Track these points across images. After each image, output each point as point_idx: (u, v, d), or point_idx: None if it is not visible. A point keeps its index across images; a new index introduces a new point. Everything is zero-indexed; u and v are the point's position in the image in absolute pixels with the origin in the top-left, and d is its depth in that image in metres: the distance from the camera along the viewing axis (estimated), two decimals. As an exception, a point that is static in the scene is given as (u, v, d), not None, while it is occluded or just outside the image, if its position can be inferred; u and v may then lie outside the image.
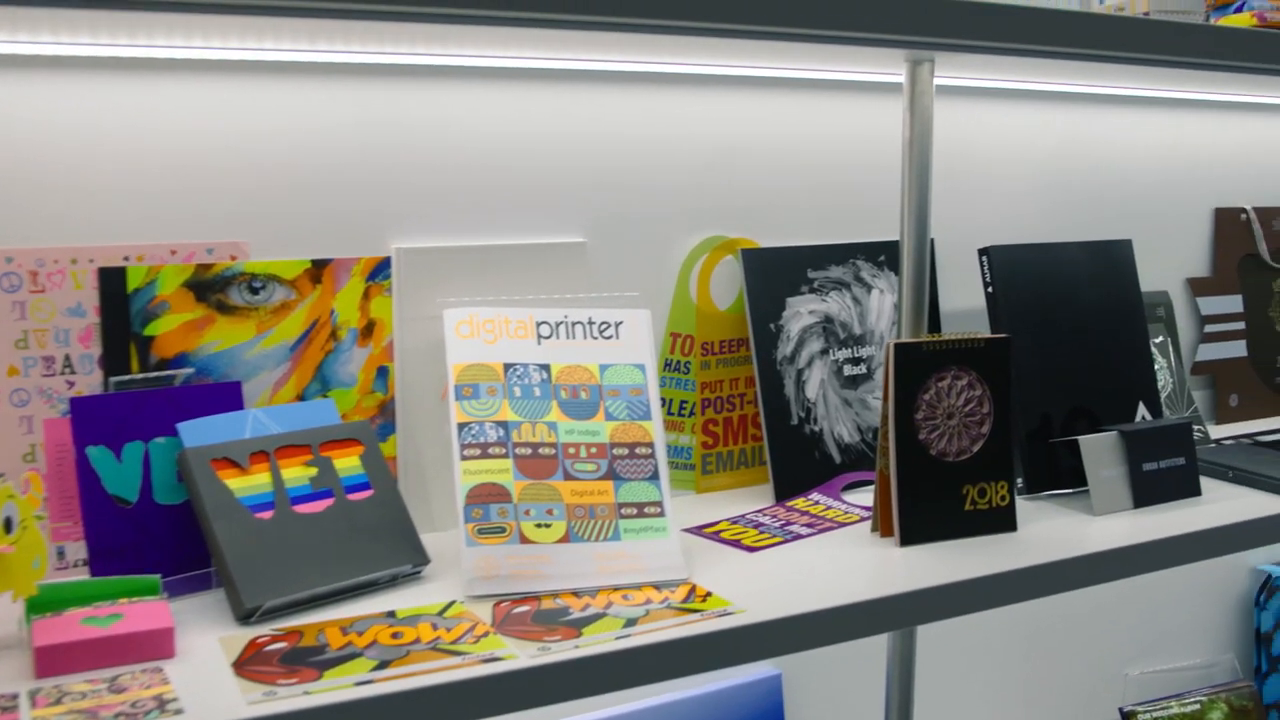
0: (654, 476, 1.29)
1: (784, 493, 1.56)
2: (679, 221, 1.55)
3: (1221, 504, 1.56)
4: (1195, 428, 1.86)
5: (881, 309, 1.67)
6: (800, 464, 1.57)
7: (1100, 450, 1.51)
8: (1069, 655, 1.98)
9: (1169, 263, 1.99)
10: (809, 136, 1.63)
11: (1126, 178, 1.92)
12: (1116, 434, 1.53)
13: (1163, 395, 1.86)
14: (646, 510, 1.27)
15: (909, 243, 1.43)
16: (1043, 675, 1.96)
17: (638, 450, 1.29)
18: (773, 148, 1.60)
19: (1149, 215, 1.96)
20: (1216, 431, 1.97)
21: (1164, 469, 1.56)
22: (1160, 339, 1.90)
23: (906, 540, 1.36)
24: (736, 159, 1.58)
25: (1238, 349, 2.06)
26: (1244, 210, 2.04)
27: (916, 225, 1.43)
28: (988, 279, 1.59)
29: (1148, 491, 1.54)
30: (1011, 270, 1.60)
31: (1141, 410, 1.67)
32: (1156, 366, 1.87)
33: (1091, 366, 1.64)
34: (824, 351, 1.62)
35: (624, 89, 1.49)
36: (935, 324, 1.71)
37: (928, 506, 1.37)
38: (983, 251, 1.60)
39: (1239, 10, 1.53)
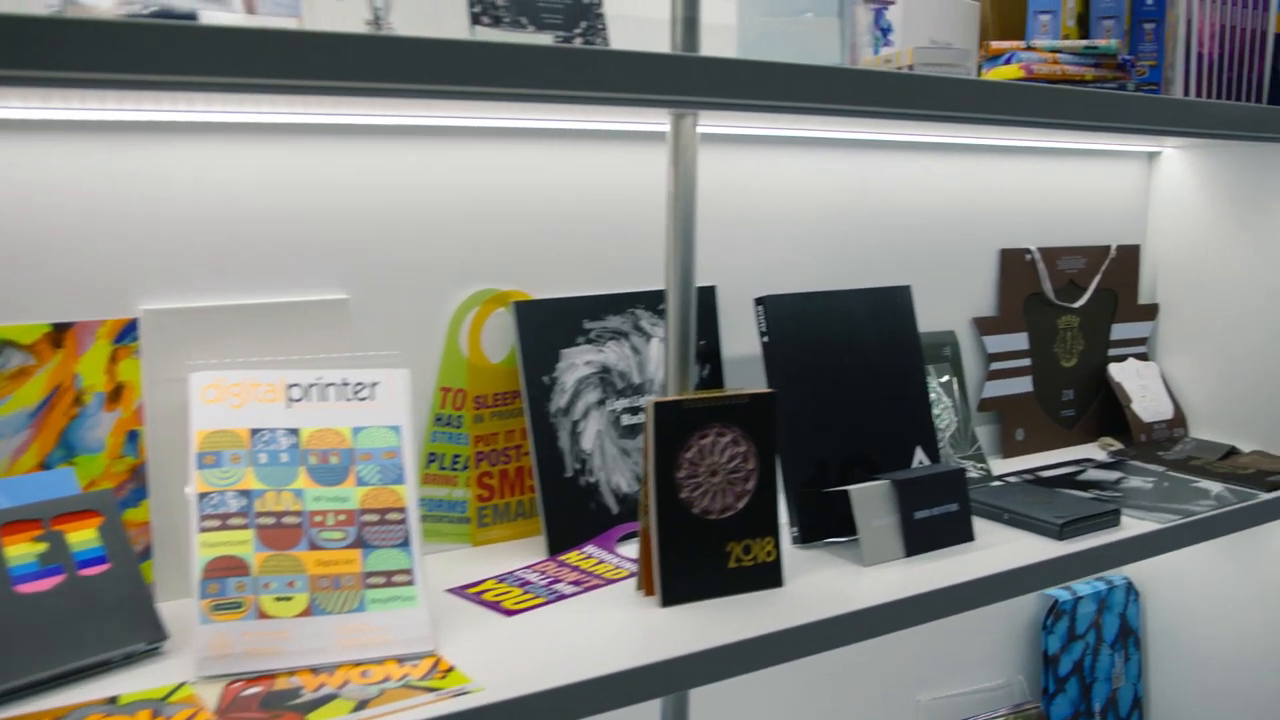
0: (405, 543, 1.26)
1: (558, 546, 1.55)
2: (448, 275, 1.53)
3: (994, 549, 1.59)
4: (977, 465, 1.90)
5: (662, 358, 1.66)
6: (575, 516, 1.56)
7: (870, 500, 1.53)
8: (859, 684, 2.01)
9: (957, 303, 2.03)
10: (582, 186, 1.61)
11: (916, 221, 1.96)
12: (888, 483, 1.55)
13: (947, 434, 1.90)
14: (395, 579, 1.24)
15: (674, 296, 1.43)
16: (834, 706, 1.99)
17: (389, 516, 1.27)
18: (545, 198, 1.59)
19: (937, 257, 2.00)
20: (1001, 466, 2.02)
21: (937, 516, 1.58)
22: (946, 378, 1.93)
23: (668, 600, 1.36)
24: (507, 210, 1.56)
25: (1024, 385, 2.11)
26: (1029, 251, 2.10)
27: (681, 277, 1.43)
28: (763, 329, 1.60)
29: (920, 539, 1.56)
30: (787, 319, 1.61)
31: (919, 455, 1.70)
32: (941, 406, 1.91)
33: (870, 412, 1.66)
34: (601, 402, 1.61)
35: (388, 141, 1.46)
36: (718, 372, 1.72)
37: (690, 565, 1.37)
38: (759, 301, 1.61)
39: (1008, 62, 1.56)
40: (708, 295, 1.72)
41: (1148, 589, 2.34)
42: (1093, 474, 1.97)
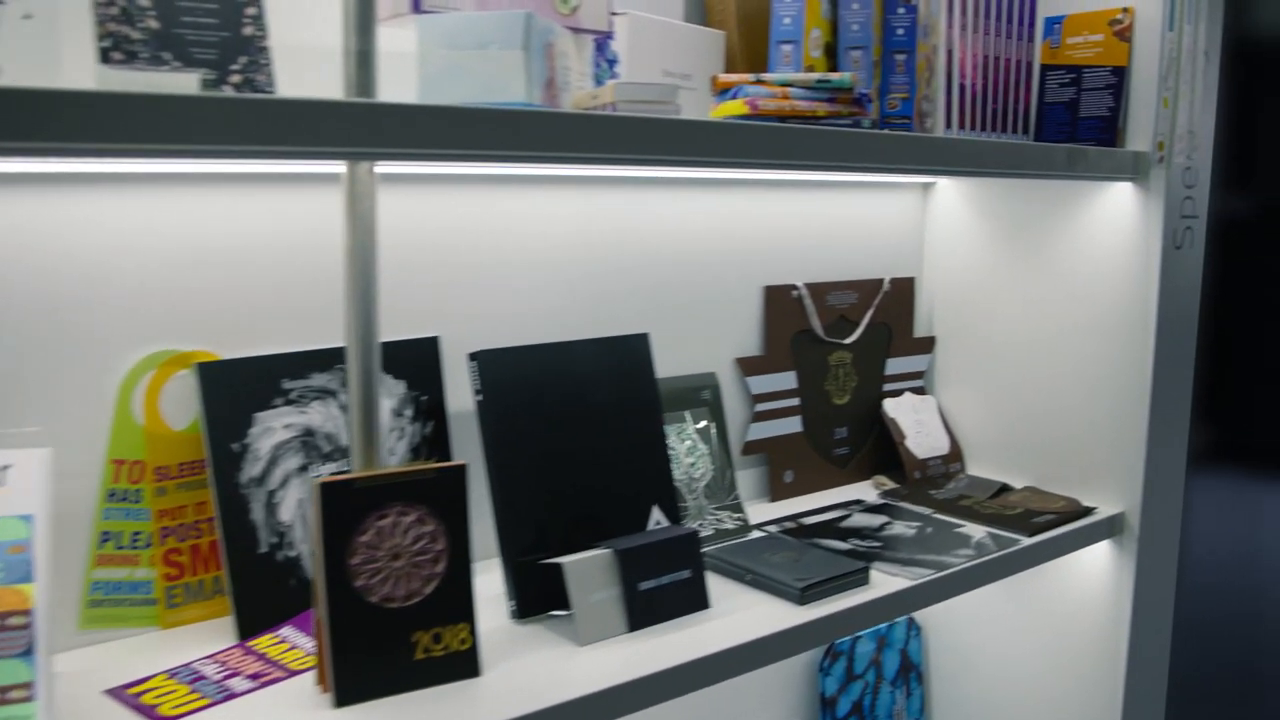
0: (28, 652, 1.11)
1: (251, 628, 1.40)
2: (117, 336, 1.37)
3: (730, 618, 1.50)
4: (733, 516, 1.80)
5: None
6: (272, 594, 1.42)
7: (587, 573, 1.42)
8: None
9: (719, 344, 1.94)
10: (272, 233, 1.47)
11: (674, 259, 1.85)
12: (609, 553, 1.44)
13: (702, 484, 1.80)
14: (10, 695, 1.08)
15: (355, 356, 1.29)
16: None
17: (9, 621, 1.11)
18: (228, 247, 1.44)
19: (697, 297, 1.89)
20: (766, 512, 1.93)
21: (666, 585, 1.48)
22: (704, 424, 1.84)
23: (343, 700, 1.23)
24: (189, 264, 1.41)
25: (793, 425, 2.02)
26: (795, 287, 2.01)
27: (361, 334, 1.29)
28: (477, 386, 1.48)
29: (645, 612, 1.46)
30: (506, 375, 1.49)
31: (656, 515, 1.59)
32: (697, 454, 1.81)
33: (601, 473, 1.55)
34: (304, 468, 1.47)
35: (39, 190, 1.30)
36: (443, 429, 1.59)
37: (370, 659, 1.24)
38: (472, 356, 1.48)
39: (734, 97, 1.46)
40: (430, 346, 1.59)
41: (930, 624, 2.28)
42: (858, 519, 1.90)
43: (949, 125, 1.85)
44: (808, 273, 2.04)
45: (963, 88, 1.87)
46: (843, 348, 2.09)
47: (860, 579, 1.61)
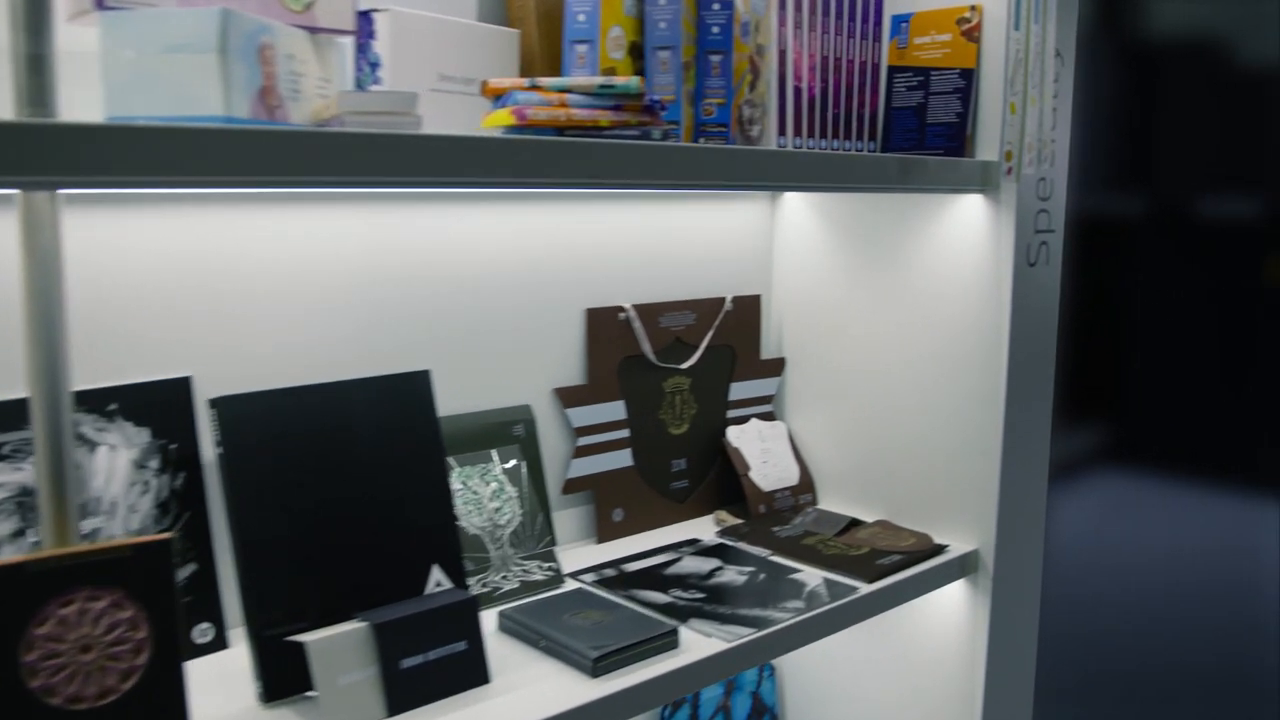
0: None
1: (-57, 725, 1.20)
2: None
3: (512, 694, 1.33)
4: (544, 566, 1.63)
5: (114, 469, 1.34)
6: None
7: (335, 652, 1.24)
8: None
9: (535, 374, 1.76)
10: (-29, 265, 1.27)
11: (479, 283, 1.68)
12: (365, 627, 1.26)
13: (508, 530, 1.62)
14: None
15: (41, 410, 1.10)
16: None
17: None
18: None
19: (509, 323, 1.72)
20: (590, 555, 1.76)
21: (435, 660, 1.30)
22: (513, 463, 1.66)
23: (11, 825, 1.03)
24: None
25: (622, 459, 1.86)
26: (622, 309, 1.84)
27: (47, 384, 1.10)
28: (217, 438, 1.29)
29: (409, 693, 1.28)
30: (253, 423, 1.31)
31: (436, 576, 1.41)
32: (502, 498, 1.64)
33: (369, 531, 1.37)
34: (20, 533, 1.27)
35: None
36: (197, 480, 1.40)
37: (46, 774, 1.05)
38: (212, 404, 1.29)
39: (503, 105, 1.28)
40: (180, 388, 1.40)
41: (785, 665, 2.13)
42: (687, 564, 1.73)
43: (782, 133, 1.69)
44: (637, 292, 1.87)
45: (799, 92, 1.71)
46: (679, 373, 1.93)
47: (668, 643, 1.44)
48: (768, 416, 2.06)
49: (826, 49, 1.75)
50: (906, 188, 1.65)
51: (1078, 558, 4.87)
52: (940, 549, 1.81)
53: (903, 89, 1.84)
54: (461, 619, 1.34)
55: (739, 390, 2.01)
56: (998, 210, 1.76)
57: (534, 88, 1.29)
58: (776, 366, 2.06)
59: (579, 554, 1.78)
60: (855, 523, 1.92)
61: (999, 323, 1.77)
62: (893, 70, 1.85)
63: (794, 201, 2.04)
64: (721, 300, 1.97)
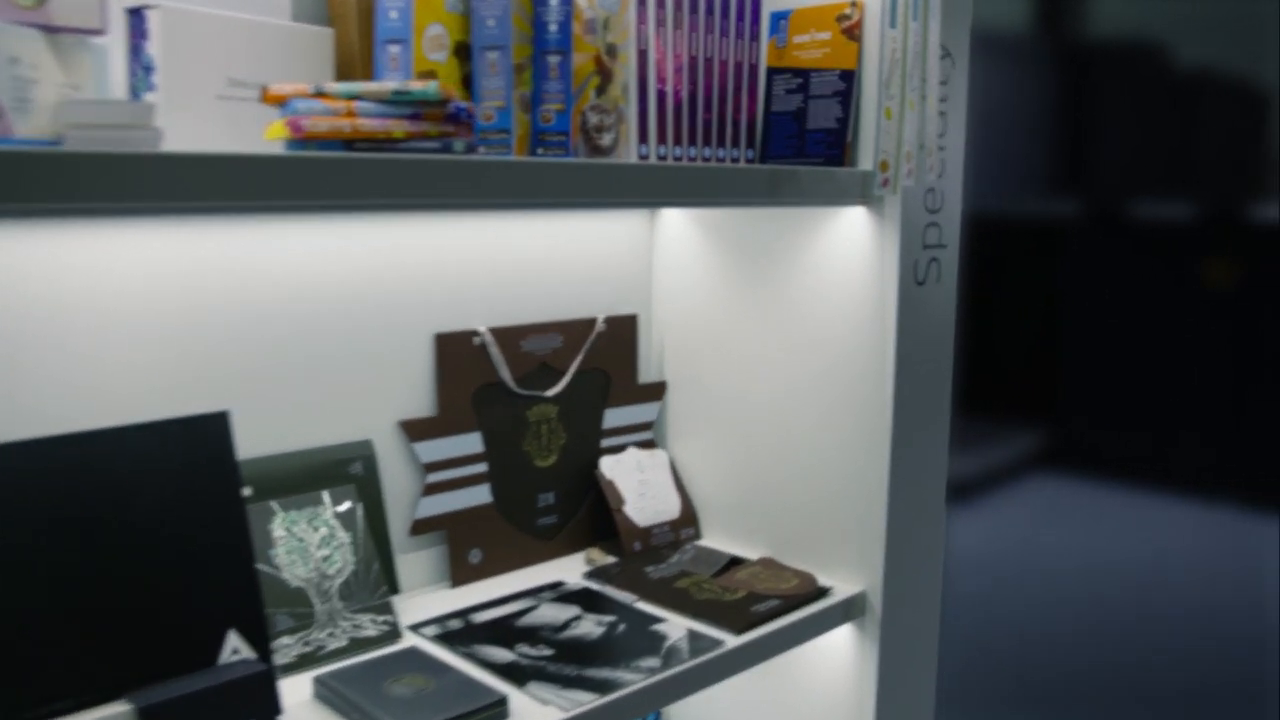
0: None
1: None
2: None
3: (312, 775, 1.17)
4: (377, 619, 1.48)
5: None
6: None
7: (89, 743, 1.08)
8: None
9: (377, 406, 1.60)
10: None
11: (310, 307, 1.52)
12: (129, 710, 1.10)
13: (337, 582, 1.47)
14: None
15: None
16: None
17: None
18: None
19: (345, 351, 1.56)
20: (442, 602, 1.61)
21: (217, 743, 1.14)
22: (346, 506, 1.50)
23: None
24: None
25: (480, 495, 1.70)
26: (476, 333, 1.68)
27: None
28: (-41, 496, 1.12)
29: (181, 782, 1.12)
30: (7, 477, 1.14)
31: (233, 644, 1.26)
32: (334, 545, 1.48)
33: (149, 596, 1.20)
34: None
35: None
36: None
37: None
38: (-47, 456, 1.13)
39: (283, 115, 1.13)
40: (-63, 433, 1.23)
41: (672, 712, 1.99)
42: (543, 613, 1.58)
43: (644, 141, 1.54)
44: (496, 314, 1.72)
45: (663, 96, 1.56)
46: (545, 400, 1.77)
47: (494, 715, 1.29)
48: (648, 445, 1.91)
49: (695, 49, 1.60)
50: (777, 201, 1.50)
51: (1014, 563, 4.76)
52: (822, 592, 1.67)
53: (782, 92, 1.69)
54: (253, 694, 1.18)
55: (614, 417, 1.86)
56: (881, 224, 1.62)
57: (319, 94, 1.13)
58: (656, 391, 1.91)
59: (428, 601, 1.62)
60: (736, 561, 1.77)
61: (884, 346, 1.63)
62: (772, 71, 1.70)
63: (674, 214, 1.89)
64: (593, 321, 1.82)
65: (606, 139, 1.49)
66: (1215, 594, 4.48)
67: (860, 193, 1.59)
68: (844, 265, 1.68)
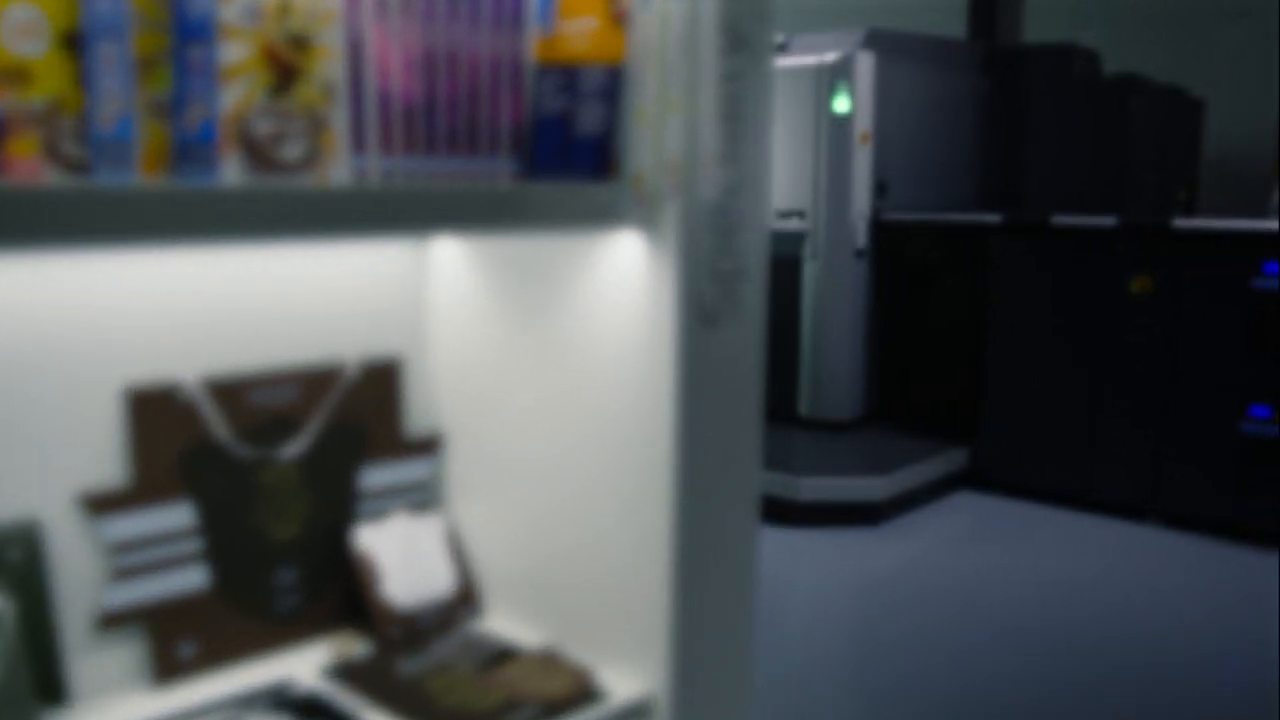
0: None
1: None
2: None
3: None
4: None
5: None
6: None
7: None
8: None
9: (47, 477, 1.32)
10: None
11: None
12: None
13: (-34, 702, 1.18)
14: None
15: None
16: None
17: None
18: None
19: (3, 413, 1.28)
20: (132, 709, 1.33)
21: None
22: (-11, 603, 1.22)
23: None
24: None
25: (192, 578, 1.42)
26: (179, 385, 1.40)
27: None
28: None
29: None
30: None
31: None
32: (-36, 654, 1.19)
33: None
34: None
35: None
36: None
37: None
38: None
39: None
40: None
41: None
42: (245, 728, 1.30)
43: (361, 150, 1.26)
44: (211, 362, 1.44)
45: (387, 97, 1.28)
46: (279, 463, 1.49)
47: None
48: (422, 508, 1.63)
49: (435, 39, 1.32)
50: (515, 226, 1.23)
51: (936, 583, 4.51)
52: (591, 697, 1.38)
53: (551, 90, 1.41)
54: None
55: (375, 478, 1.58)
56: (657, 251, 1.34)
57: None
58: (427, 445, 1.63)
59: (117, 709, 1.34)
60: (507, 653, 1.49)
61: (659, 397, 1.35)
62: (541, 66, 1.42)
63: (446, 243, 1.61)
64: (339, 367, 1.54)
65: (293, 151, 1.20)
66: (1142, 612, 4.24)
67: (625, 213, 1.31)
68: (619, 300, 1.40)
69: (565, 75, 1.39)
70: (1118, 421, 5.18)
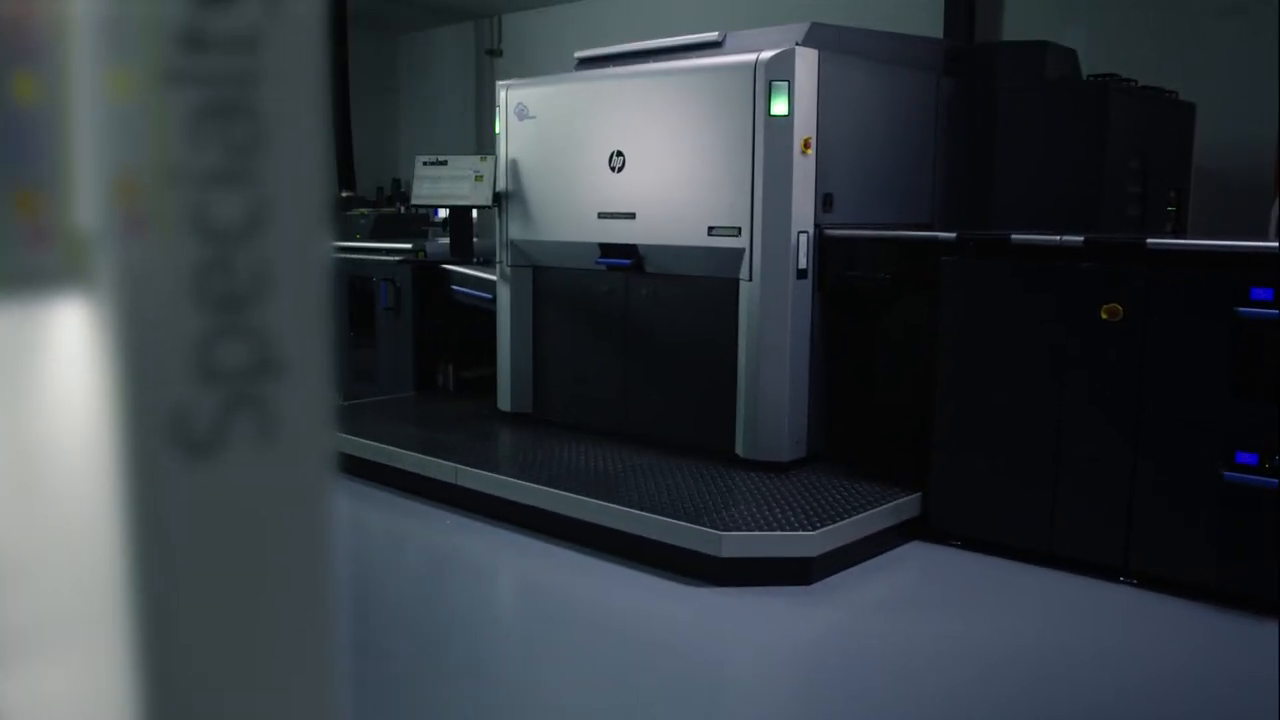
0: None
1: None
2: None
3: None
4: None
5: None
6: None
7: None
8: None
9: None
10: None
11: None
12: None
13: None
14: None
15: None
16: None
17: None
18: None
19: None
20: None
21: None
22: None
23: None
24: None
25: None
26: None
27: None
28: None
29: None
30: None
31: None
32: None
33: None
34: None
35: None
36: None
37: None
38: None
39: None
40: None
41: None
42: None
43: None
44: None
45: None
46: None
47: None
48: None
49: None
50: None
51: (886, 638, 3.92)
52: None
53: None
54: None
55: None
56: (99, 334, 0.75)
57: None
58: None
59: None
60: None
61: (113, 588, 0.75)
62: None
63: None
64: None
65: None
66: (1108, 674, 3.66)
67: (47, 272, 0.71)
68: (73, 420, 0.80)
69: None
70: (1086, 468, 4.57)
